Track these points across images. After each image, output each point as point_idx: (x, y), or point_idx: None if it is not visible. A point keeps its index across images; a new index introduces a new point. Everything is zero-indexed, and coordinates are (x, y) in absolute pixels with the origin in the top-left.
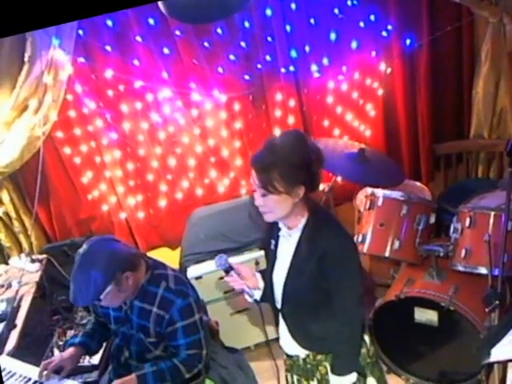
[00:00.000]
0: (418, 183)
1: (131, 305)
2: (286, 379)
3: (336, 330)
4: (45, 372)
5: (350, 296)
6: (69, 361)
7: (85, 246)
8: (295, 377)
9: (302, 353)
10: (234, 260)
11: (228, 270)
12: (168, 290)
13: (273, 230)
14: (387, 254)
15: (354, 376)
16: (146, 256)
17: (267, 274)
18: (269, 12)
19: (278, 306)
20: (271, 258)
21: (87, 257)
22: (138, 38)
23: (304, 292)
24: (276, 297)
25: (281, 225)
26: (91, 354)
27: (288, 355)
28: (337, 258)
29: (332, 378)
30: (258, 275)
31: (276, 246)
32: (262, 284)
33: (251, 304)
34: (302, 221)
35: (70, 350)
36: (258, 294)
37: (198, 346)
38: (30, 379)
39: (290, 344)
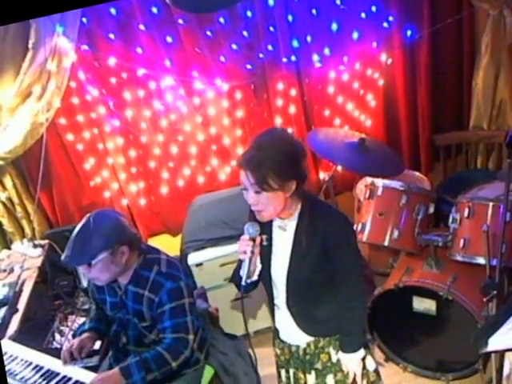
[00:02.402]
0: (418, 173)
1: (126, 290)
2: (279, 376)
3: (344, 306)
4: (72, 357)
5: (354, 270)
6: (87, 341)
7: (94, 212)
8: (291, 371)
9: (303, 342)
10: (234, 248)
11: (254, 239)
12: (159, 273)
13: (262, 224)
14: (386, 243)
15: (363, 351)
16: (140, 241)
17: (264, 273)
18: (271, 2)
19: (281, 299)
20: (265, 254)
21: (94, 221)
22: (141, 27)
23: (309, 279)
24: (276, 292)
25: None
26: (103, 336)
27: (287, 347)
28: (339, 236)
29: (343, 357)
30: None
31: (269, 240)
32: (255, 277)
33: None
34: (297, 209)
35: (85, 334)
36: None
37: (184, 330)
38: (31, 363)
39: (293, 333)
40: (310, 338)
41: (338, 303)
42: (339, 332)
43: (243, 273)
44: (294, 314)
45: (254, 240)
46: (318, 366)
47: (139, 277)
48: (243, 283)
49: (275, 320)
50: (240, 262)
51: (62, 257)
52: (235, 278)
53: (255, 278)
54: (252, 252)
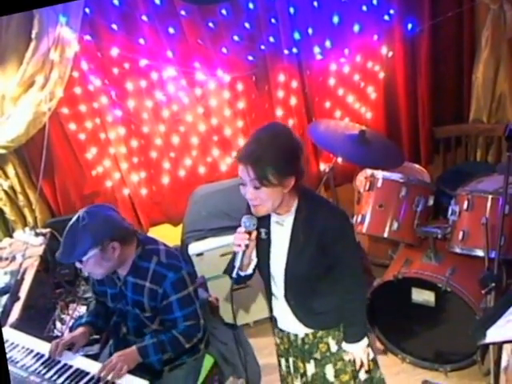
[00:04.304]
0: (418, 166)
1: (125, 281)
2: (280, 364)
3: (344, 299)
4: (57, 352)
5: (353, 264)
6: (80, 338)
7: (84, 209)
8: (291, 360)
9: (302, 332)
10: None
11: (250, 233)
12: (160, 264)
13: (261, 218)
14: (386, 234)
15: (366, 339)
16: (137, 232)
17: (262, 266)
18: None
19: (279, 292)
20: (264, 247)
21: (82, 218)
22: (144, 18)
23: (307, 273)
24: (275, 285)
25: (272, 212)
26: (99, 331)
27: (286, 336)
28: (337, 231)
29: (347, 347)
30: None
31: (268, 234)
32: (250, 270)
33: (251, 282)
34: (294, 205)
35: (80, 329)
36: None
37: (195, 317)
38: (32, 351)
39: (291, 323)
40: (309, 329)
41: (336, 296)
42: (340, 324)
43: (235, 265)
44: (292, 306)
45: (249, 233)
46: (317, 355)
47: (138, 268)
48: (234, 275)
49: (273, 309)
50: (235, 253)
51: (57, 254)
52: (229, 270)
53: (250, 271)
54: (246, 245)
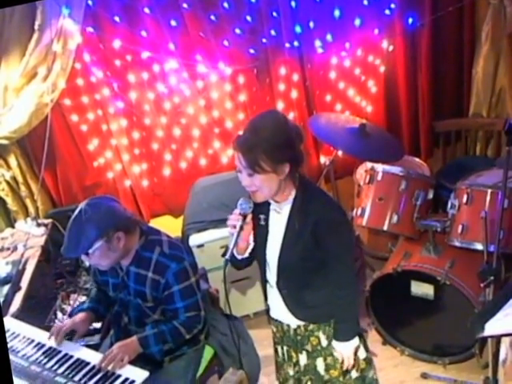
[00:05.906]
0: (417, 159)
1: (127, 271)
2: (276, 351)
3: (335, 295)
4: (58, 336)
5: (346, 259)
6: (81, 325)
7: (85, 202)
8: (285, 348)
9: (293, 323)
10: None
11: (245, 215)
12: (162, 254)
13: (260, 205)
14: (385, 227)
15: (357, 340)
16: (140, 222)
17: (259, 251)
18: None
19: (272, 280)
20: (262, 234)
21: (85, 211)
22: (146, 10)
23: (299, 263)
24: (269, 272)
25: (270, 199)
26: (101, 318)
27: (280, 325)
28: (330, 225)
29: (337, 345)
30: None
31: (266, 220)
32: (247, 254)
33: (251, 273)
34: (292, 194)
35: (81, 315)
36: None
37: (196, 308)
38: (33, 340)
39: (283, 313)
40: (300, 321)
41: (328, 291)
42: (331, 319)
43: (229, 246)
44: (284, 296)
45: (244, 216)
46: (308, 348)
47: (141, 258)
48: (227, 257)
49: (267, 297)
50: None
51: (61, 249)
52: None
53: (246, 255)
54: (241, 227)
